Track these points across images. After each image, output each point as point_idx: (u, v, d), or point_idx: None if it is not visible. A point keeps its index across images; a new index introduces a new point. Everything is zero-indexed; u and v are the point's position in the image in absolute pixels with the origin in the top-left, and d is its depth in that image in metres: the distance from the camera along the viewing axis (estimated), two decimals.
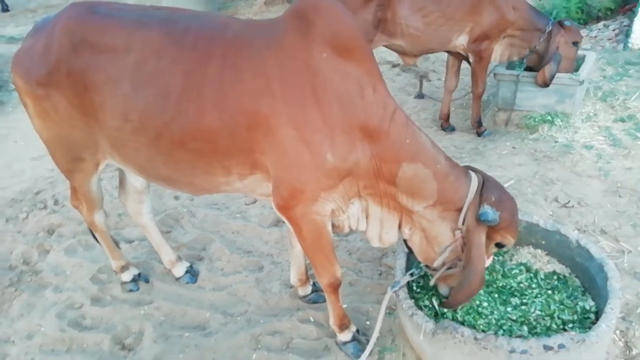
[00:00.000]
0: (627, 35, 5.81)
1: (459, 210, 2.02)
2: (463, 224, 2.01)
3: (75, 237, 3.53)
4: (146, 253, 3.33)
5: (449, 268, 2.12)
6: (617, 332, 2.36)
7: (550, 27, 3.99)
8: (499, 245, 2.08)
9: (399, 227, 2.19)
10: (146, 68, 2.03)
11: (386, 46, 4.09)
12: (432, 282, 2.22)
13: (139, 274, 3.08)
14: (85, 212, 2.75)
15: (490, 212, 1.91)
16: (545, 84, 4.05)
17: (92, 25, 2.12)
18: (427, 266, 2.23)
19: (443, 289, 2.24)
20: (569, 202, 3.29)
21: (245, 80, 1.95)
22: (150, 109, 2.04)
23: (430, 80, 5.82)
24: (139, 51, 2.04)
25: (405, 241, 2.26)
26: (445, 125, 4.70)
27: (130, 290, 3.01)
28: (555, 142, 4.06)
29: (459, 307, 2.19)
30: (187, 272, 3.08)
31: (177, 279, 3.08)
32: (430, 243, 2.12)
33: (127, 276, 3.02)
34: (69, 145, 2.35)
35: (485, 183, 2.02)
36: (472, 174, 2.07)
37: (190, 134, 2.03)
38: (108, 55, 2.08)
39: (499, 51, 4.22)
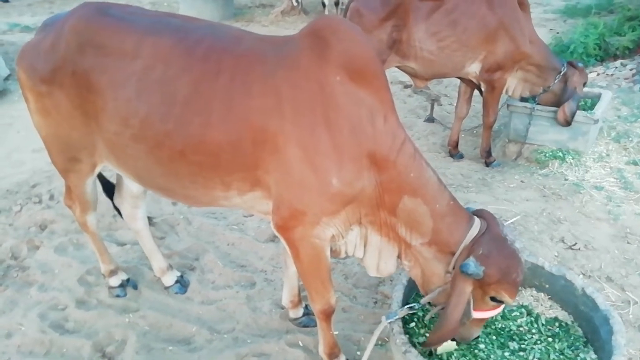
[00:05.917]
0: None
1: (454, 254, 1.95)
2: (453, 268, 1.94)
3: (67, 235, 3.46)
4: (137, 258, 3.25)
5: (442, 308, 2.03)
6: None
7: (566, 68, 3.95)
8: (496, 300, 1.93)
9: (400, 257, 2.11)
10: (153, 75, 1.97)
11: (398, 67, 4.04)
12: (427, 318, 2.19)
13: (128, 280, 3.00)
14: (78, 213, 2.68)
15: (472, 265, 1.82)
16: (567, 122, 3.96)
17: (102, 27, 2.07)
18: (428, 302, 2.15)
19: None
20: (575, 244, 3.19)
21: (255, 96, 1.88)
22: (153, 117, 1.98)
23: (441, 105, 5.75)
24: (147, 57, 1.99)
25: None
26: (454, 152, 4.62)
27: (117, 296, 2.93)
28: (565, 179, 3.97)
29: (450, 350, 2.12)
30: (177, 281, 3.00)
31: (166, 288, 2.99)
32: (426, 281, 2.08)
33: (115, 281, 2.94)
34: (67, 144, 2.30)
35: (484, 234, 1.90)
36: (477, 221, 1.96)
37: (192, 146, 1.96)
38: (115, 58, 2.02)
39: (512, 85, 4.13)
